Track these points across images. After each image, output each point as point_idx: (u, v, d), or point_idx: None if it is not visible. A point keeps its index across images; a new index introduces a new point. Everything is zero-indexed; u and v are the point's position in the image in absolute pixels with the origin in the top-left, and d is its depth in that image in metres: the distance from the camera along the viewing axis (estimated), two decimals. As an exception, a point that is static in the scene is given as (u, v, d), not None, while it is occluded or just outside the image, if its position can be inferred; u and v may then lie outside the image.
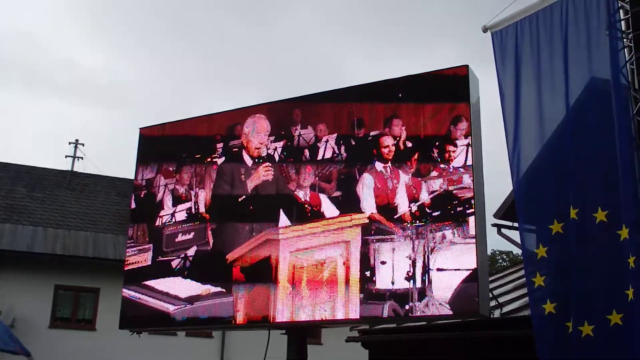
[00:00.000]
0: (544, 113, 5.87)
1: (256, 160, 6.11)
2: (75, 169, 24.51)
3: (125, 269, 6.66)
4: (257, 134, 6.18)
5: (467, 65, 5.37)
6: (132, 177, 7.10)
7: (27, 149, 52.60)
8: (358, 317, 5.30)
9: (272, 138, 6.08)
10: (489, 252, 5.62)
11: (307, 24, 60.99)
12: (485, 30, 6.38)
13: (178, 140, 6.70)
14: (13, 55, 55.79)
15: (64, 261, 19.57)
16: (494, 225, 9.95)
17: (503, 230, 10.01)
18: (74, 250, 19.91)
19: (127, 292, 6.53)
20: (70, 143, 25.10)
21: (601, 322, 5.08)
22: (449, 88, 5.34)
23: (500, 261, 38.81)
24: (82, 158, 25.07)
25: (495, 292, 8.77)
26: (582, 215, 5.36)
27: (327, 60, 61.78)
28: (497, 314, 7.97)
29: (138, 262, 6.56)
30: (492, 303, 7.99)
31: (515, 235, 9.92)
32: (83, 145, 25.37)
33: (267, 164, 6.03)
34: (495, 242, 37.15)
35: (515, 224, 9.55)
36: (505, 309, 8.13)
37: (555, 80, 5.80)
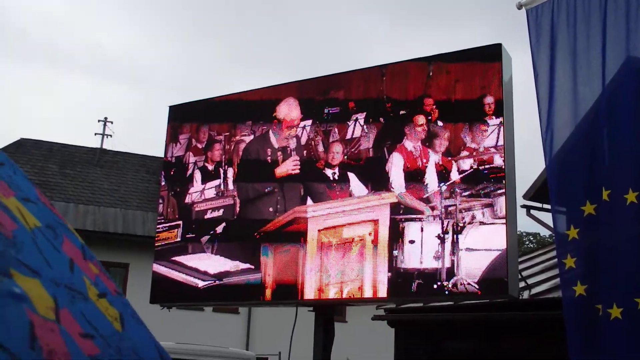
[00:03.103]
0: (579, 92, 5.75)
1: (285, 138, 6.11)
2: (104, 147, 24.84)
3: (156, 244, 6.74)
4: (287, 113, 6.17)
5: (501, 44, 5.28)
6: (160, 155, 7.15)
7: (57, 126, 53.39)
8: (386, 295, 5.30)
9: (301, 116, 6.07)
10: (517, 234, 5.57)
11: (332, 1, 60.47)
12: (520, 6, 6.25)
13: (207, 117, 6.72)
14: (39, 35, 56.40)
15: (95, 237, 19.94)
16: (523, 206, 9.88)
17: (532, 212, 9.93)
18: (103, 226, 20.28)
19: (158, 268, 6.62)
20: (99, 121, 25.46)
21: (629, 305, 5.02)
22: (481, 67, 5.26)
23: (527, 243, 38.59)
24: (111, 136, 25.40)
25: (524, 274, 8.72)
26: (613, 196, 5.28)
27: (353, 37, 61.31)
28: (525, 295, 7.93)
29: (168, 238, 6.63)
30: (521, 284, 7.95)
31: (543, 216, 9.84)
32: (112, 123, 25.66)
33: (295, 142, 6.03)
34: (522, 224, 36.85)
35: (545, 205, 9.47)
36: (534, 290, 8.08)
37: (591, 59, 5.67)
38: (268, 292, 5.85)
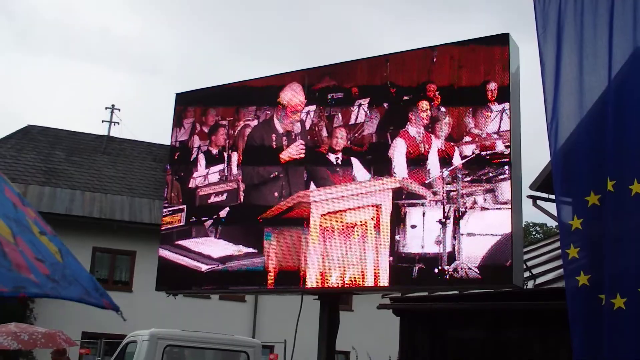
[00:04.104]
0: (585, 83, 5.72)
1: (290, 123, 6.13)
2: (111, 134, 24.85)
3: (162, 229, 6.78)
4: (291, 98, 6.19)
5: (508, 34, 5.27)
6: (168, 143, 7.20)
7: (64, 113, 53.61)
8: (387, 283, 5.32)
9: (305, 102, 6.09)
10: (522, 223, 5.56)
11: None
12: (527, -5, 6.22)
13: (213, 104, 6.76)
14: (50, 22, 56.54)
15: (101, 224, 19.97)
16: (529, 196, 9.83)
17: (538, 202, 9.88)
18: (110, 213, 20.29)
19: (163, 252, 6.66)
20: (106, 108, 25.46)
21: (633, 295, 5.01)
22: (487, 56, 5.26)
23: (534, 233, 38.54)
24: (118, 123, 25.40)
25: (529, 264, 8.71)
26: (618, 187, 5.26)
27: (361, 30, 61.14)
28: (530, 285, 7.91)
29: (172, 222, 6.67)
30: (526, 274, 7.94)
31: (550, 207, 9.80)
32: (119, 110, 25.66)
33: (300, 127, 6.04)
34: (529, 215, 36.91)
35: (552, 196, 9.43)
36: (539, 280, 8.07)
37: (598, 50, 5.64)
38: (271, 276, 5.89)
